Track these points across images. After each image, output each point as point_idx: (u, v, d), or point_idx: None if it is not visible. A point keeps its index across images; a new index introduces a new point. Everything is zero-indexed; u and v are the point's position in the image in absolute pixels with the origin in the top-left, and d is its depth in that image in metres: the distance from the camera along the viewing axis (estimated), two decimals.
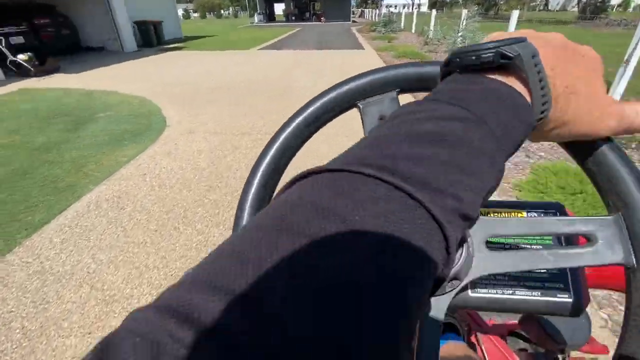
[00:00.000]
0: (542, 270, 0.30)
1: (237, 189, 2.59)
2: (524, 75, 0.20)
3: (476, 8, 8.75)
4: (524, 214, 0.32)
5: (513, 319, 0.66)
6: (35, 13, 9.01)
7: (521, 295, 0.29)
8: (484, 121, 0.19)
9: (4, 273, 1.81)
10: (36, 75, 6.90)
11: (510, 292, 0.29)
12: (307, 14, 35.82)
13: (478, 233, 0.27)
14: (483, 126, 0.18)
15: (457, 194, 0.16)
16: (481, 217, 0.26)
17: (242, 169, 2.91)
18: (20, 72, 6.87)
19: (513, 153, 0.21)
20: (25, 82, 6.54)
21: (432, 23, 11.25)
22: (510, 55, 0.20)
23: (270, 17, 36.94)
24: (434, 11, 12.41)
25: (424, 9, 48.19)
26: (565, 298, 0.29)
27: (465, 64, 0.22)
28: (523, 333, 0.60)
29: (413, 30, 15.07)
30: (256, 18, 33.36)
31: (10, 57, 6.68)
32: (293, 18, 35.31)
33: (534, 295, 0.29)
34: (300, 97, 4.94)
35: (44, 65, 7.16)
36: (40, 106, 5.03)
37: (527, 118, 0.20)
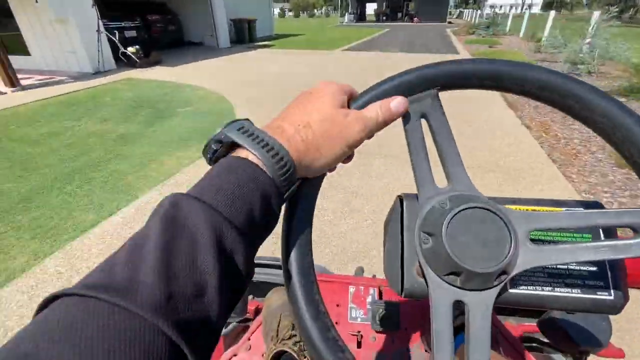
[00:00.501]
0: (582, 268, 0.30)
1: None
2: (239, 142, 0.25)
3: (616, 10, 6.97)
4: (563, 210, 0.32)
5: (528, 322, 0.66)
6: (150, 10, 10.10)
7: (560, 292, 0.29)
8: (203, 201, 0.22)
9: (34, 281, 1.74)
10: (141, 66, 7.63)
11: (550, 289, 0.29)
12: (400, 14, 34.49)
13: (522, 227, 0.27)
14: (208, 210, 0.21)
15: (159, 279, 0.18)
16: (523, 210, 0.28)
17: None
18: (128, 62, 7.69)
19: (271, 204, 0.25)
20: (131, 72, 7.27)
21: (548, 26, 9.52)
22: (221, 138, 0.26)
23: (360, 17, 36.55)
24: (552, 12, 10.53)
25: (536, 9, 42.52)
26: (605, 295, 0.29)
27: (209, 158, 0.26)
28: (538, 337, 0.59)
29: (521, 35, 13.13)
30: (346, 18, 33.35)
31: (122, 49, 7.49)
32: (384, 18, 34.34)
33: (574, 293, 0.29)
34: None
35: (148, 57, 7.89)
36: (134, 96, 5.43)
37: (257, 174, 0.24)
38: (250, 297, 0.79)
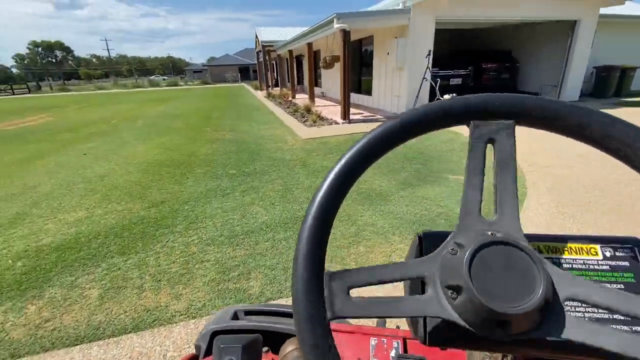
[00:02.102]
0: None
1: None
2: None
3: None
4: (597, 248, 0.31)
5: None
6: (490, 58, 9.50)
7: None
8: None
9: None
10: None
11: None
12: None
13: (560, 291, 0.25)
14: None
15: None
16: (559, 269, 0.25)
17: None
18: None
19: None
20: None
21: None
22: None
23: None
24: None
25: None
26: None
27: None
28: None
29: None
30: None
31: (438, 96, 7.42)
32: None
33: None
34: None
35: None
36: (413, 143, 5.05)
37: None
38: (265, 349, 0.66)
